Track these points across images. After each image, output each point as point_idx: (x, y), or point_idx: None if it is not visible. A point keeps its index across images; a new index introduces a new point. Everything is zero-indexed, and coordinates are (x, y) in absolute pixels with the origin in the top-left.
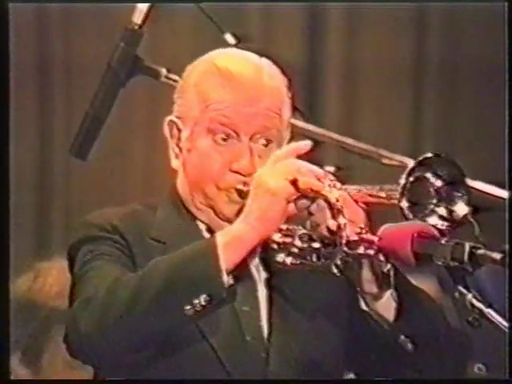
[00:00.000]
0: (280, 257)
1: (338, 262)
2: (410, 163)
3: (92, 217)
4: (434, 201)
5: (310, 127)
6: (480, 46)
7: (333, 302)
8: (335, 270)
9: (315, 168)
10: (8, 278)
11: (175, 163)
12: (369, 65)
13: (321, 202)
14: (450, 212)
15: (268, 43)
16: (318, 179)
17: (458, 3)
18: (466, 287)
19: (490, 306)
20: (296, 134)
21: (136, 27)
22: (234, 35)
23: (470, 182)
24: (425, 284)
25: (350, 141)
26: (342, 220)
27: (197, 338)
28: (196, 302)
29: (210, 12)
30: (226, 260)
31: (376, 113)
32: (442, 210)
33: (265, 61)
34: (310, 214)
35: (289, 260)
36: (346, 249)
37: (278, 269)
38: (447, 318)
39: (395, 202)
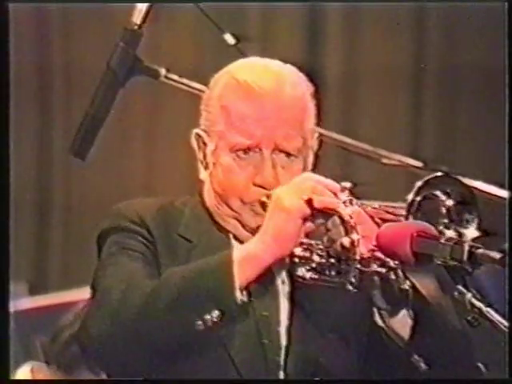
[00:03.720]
0: (300, 271)
1: (353, 280)
2: (418, 183)
3: (122, 206)
4: (445, 221)
5: None
6: (480, 47)
7: (351, 317)
8: (350, 287)
9: (331, 183)
10: (8, 278)
11: (203, 175)
12: (369, 65)
13: (336, 218)
14: (459, 235)
15: (268, 43)
16: (334, 194)
17: (457, 3)
18: (465, 286)
19: (489, 305)
20: None
21: (135, 27)
22: (234, 35)
23: (470, 182)
24: (424, 283)
25: (349, 141)
26: (355, 236)
27: (213, 338)
28: (207, 317)
29: (210, 12)
30: (240, 277)
31: (376, 113)
32: (450, 233)
33: (288, 68)
34: (327, 229)
35: (308, 275)
36: (359, 266)
37: (299, 282)
38: (464, 336)
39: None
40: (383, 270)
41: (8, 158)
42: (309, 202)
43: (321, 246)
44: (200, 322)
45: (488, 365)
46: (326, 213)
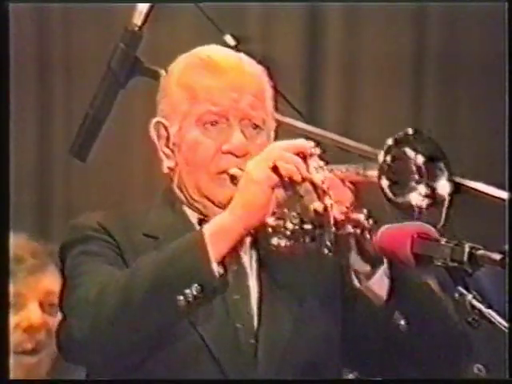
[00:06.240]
0: (274, 240)
1: (328, 243)
2: (388, 141)
3: (79, 219)
4: (416, 177)
5: (309, 127)
6: (480, 46)
7: (325, 285)
8: (325, 251)
9: (300, 147)
10: (8, 277)
11: (167, 163)
12: (368, 65)
13: (308, 184)
14: (432, 190)
15: (268, 43)
16: (304, 160)
17: (457, 3)
18: (465, 288)
19: (489, 306)
20: (295, 135)
21: (136, 28)
22: (234, 36)
23: (470, 183)
24: None
25: (348, 141)
26: (328, 201)
27: (185, 324)
28: (188, 291)
29: (210, 12)
30: (214, 250)
31: (376, 113)
32: (422, 188)
33: (243, 54)
34: (300, 196)
35: (283, 242)
36: (334, 229)
37: (269, 255)
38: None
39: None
40: (358, 231)
41: (8, 158)
42: (275, 169)
43: (294, 214)
44: (181, 298)
45: (488, 365)
46: (296, 181)
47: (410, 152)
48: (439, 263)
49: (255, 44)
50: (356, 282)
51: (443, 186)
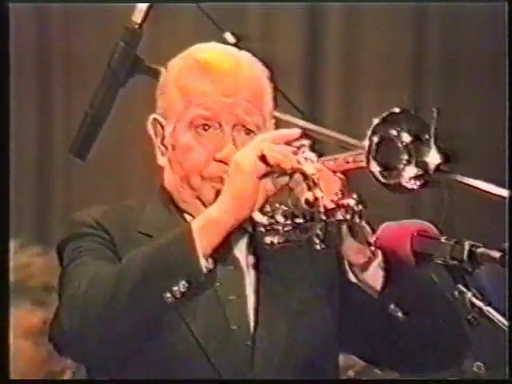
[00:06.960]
0: (267, 239)
1: (319, 232)
2: (373, 122)
3: (76, 215)
4: (405, 157)
5: (310, 126)
6: (480, 47)
7: (322, 279)
8: (317, 241)
9: (286, 135)
10: (8, 277)
11: (162, 161)
12: (368, 64)
13: (299, 175)
14: (423, 164)
15: (268, 43)
16: (294, 152)
17: (458, 3)
18: (465, 286)
19: (489, 304)
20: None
21: (136, 27)
22: (234, 34)
23: (470, 181)
24: None
25: (348, 139)
26: (318, 193)
27: (180, 327)
28: (175, 289)
29: (210, 12)
30: (202, 243)
31: (376, 112)
32: (412, 169)
33: (244, 53)
34: (290, 188)
35: (276, 240)
36: (324, 217)
37: (265, 254)
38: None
39: (364, 164)
40: (348, 217)
41: (8, 159)
42: (262, 158)
43: (285, 208)
44: (169, 295)
45: (488, 365)
46: (285, 169)
47: (396, 131)
48: (439, 261)
49: (255, 43)
50: (351, 276)
51: (434, 158)
